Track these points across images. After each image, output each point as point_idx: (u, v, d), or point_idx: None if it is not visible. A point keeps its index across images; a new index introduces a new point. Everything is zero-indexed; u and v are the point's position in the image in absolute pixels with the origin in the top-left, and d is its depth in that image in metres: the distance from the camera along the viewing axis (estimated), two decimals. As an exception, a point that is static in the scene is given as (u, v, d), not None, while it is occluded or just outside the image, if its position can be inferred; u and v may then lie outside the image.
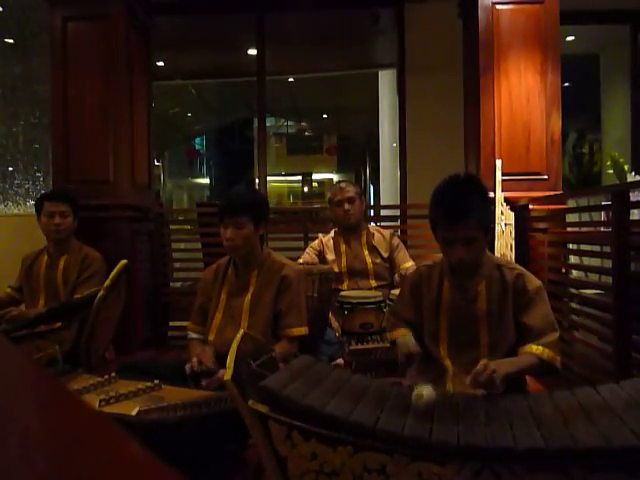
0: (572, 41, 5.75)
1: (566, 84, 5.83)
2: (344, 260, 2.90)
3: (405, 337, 1.77)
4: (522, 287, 1.66)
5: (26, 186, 4.72)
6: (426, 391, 1.20)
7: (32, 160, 4.81)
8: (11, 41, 4.98)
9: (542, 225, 3.04)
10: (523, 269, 1.75)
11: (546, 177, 3.26)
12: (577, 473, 0.99)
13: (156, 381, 1.71)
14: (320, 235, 3.07)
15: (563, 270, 2.95)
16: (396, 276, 2.86)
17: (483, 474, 1.00)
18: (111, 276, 2.48)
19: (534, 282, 1.68)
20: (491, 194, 3.08)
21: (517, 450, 1.01)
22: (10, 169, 4.88)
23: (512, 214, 3.05)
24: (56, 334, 2.41)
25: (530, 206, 3.10)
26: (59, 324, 2.52)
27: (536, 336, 1.60)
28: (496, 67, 3.30)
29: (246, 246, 2.04)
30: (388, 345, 2.33)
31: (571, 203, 3.01)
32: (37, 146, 4.82)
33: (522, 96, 3.28)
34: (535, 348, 1.57)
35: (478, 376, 1.37)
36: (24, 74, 5.06)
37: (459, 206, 1.58)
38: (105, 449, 0.31)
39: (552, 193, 3.12)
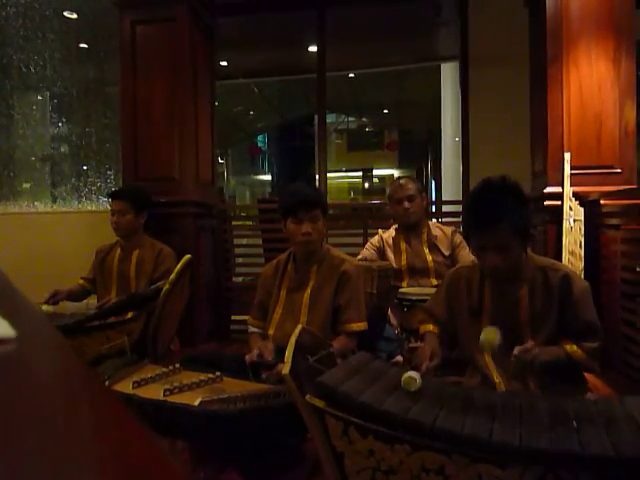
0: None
1: (643, 72, 5.49)
2: (404, 258, 2.86)
3: (429, 339, 1.77)
4: (567, 289, 1.59)
5: (98, 184, 4.97)
6: (416, 376, 1.24)
7: (104, 159, 5.05)
8: (85, 46, 5.25)
9: (615, 221, 2.88)
10: (569, 269, 1.68)
11: (619, 170, 3.09)
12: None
13: (218, 373, 1.75)
14: (380, 231, 3.03)
15: (638, 269, 2.79)
16: None
17: (547, 479, 0.97)
18: (175, 270, 2.57)
19: (580, 284, 1.61)
20: (559, 189, 2.96)
21: (584, 456, 0.96)
22: (84, 167, 5.15)
23: (582, 210, 2.91)
24: (125, 325, 2.51)
25: (602, 201, 2.95)
26: (129, 315, 2.64)
27: (577, 339, 1.58)
28: (565, 55, 3.15)
29: (319, 239, 2.09)
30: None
31: (647, 198, 2.84)
32: (108, 145, 5.05)
33: (593, 85, 3.11)
34: (569, 346, 1.58)
35: (524, 354, 1.44)
36: (97, 77, 5.33)
37: (489, 212, 1.53)
38: (120, 442, 0.33)
39: (626, 187, 2.96)
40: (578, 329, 1.58)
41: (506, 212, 1.52)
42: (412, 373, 1.25)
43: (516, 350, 1.44)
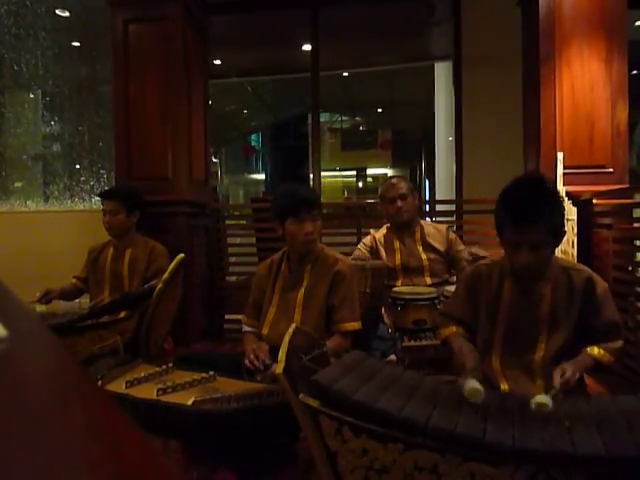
0: (641, 26, 5.46)
1: (634, 72, 5.54)
2: (398, 257, 2.86)
3: (457, 340, 1.73)
4: (591, 291, 1.60)
5: (91, 183, 4.94)
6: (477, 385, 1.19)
7: (96, 158, 5.03)
8: (77, 44, 5.22)
9: (607, 221, 2.90)
10: (590, 271, 1.67)
11: (611, 170, 3.11)
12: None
13: (211, 372, 1.75)
14: (372, 231, 3.03)
15: (629, 268, 2.81)
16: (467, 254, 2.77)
17: (538, 478, 0.97)
18: (169, 270, 2.56)
19: (602, 285, 1.62)
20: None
21: (576, 455, 0.97)
22: (77, 167, 5.12)
23: (574, 209, 2.93)
24: (118, 324, 2.50)
25: (594, 201, 2.97)
26: (122, 314, 2.62)
27: (600, 339, 1.57)
28: (557, 55, 3.16)
29: (319, 238, 2.13)
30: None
31: (638, 197, 2.86)
32: (101, 144, 5.03)
33: (585, 85, 3.13)
34: (597, 351, 1.55)
35: (566, 384, 1.37)
36: (89, 76, 5.29)
37: (529, 208, 1.52)
38: (112, 443, 0.33)
39: (618, 187, 2.98)
40: (602, 330, 1.58)
41: (544, 210, 1.52)
42: (474, 383, 1.19)
43: (557, 384, 1.37)
